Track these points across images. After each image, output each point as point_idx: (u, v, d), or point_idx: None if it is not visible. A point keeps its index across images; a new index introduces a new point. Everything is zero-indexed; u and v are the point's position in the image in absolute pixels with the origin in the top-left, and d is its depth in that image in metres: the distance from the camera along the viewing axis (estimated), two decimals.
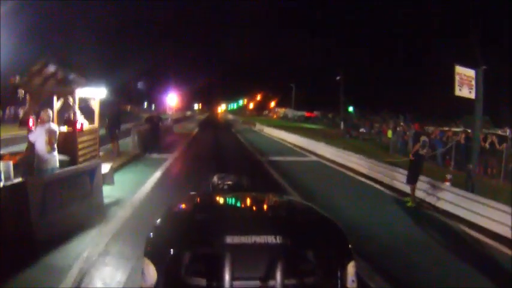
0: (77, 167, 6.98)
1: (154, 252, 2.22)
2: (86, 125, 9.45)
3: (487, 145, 15.20)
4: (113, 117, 14.04)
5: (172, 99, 43.67)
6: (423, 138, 9.09)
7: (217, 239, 2.17)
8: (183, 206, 2.95)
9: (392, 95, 50.53)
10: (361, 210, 8.52)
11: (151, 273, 2.12)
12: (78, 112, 8.41)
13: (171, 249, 2.15)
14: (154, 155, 15.18)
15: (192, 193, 3.44)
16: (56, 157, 7.16)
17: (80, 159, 8.64)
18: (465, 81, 9.76)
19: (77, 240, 5.91)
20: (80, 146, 8.60)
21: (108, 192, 8.28)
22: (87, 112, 9.73)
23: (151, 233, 2.38)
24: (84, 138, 8.89)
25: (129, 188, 9.11)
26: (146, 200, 8.39)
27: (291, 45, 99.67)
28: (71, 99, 8.27)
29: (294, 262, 2.19)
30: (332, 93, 52.24)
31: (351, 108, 51.28)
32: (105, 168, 7.90)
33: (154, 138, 16.05)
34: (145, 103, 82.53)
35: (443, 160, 17.19)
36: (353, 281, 2.21)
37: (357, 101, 50.48)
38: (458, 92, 9.68)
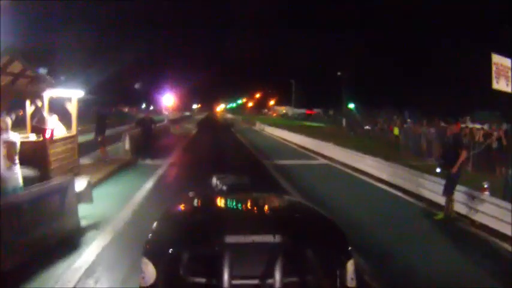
0: (41, 185, 5.63)
1: (153, 251, 2.20)
2: (63, 132, 8.14)
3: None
4: (99, 120, 12.72)
5: (169, 99, 42.21)
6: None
7: (216, 238, 2.15)
8: (182, 205, 3.00)
9: (394, 90, 49.26)
10: (389, 227, 7.15)
11: (150, 272, 2.10)
12: (48, 117, 7.06)
13: (170, 248, 2.15)
14: (147, 161, 13.83)
15: (191, 193, 3.38)
16: (18, 174, 5.83)
17: (53, 173, 7.32)
18: (502, 73, 8.41)
19: (39, 277, 4.70)
20: (53, 158, 7.26)
21: (87, 212, 6.94)
22: (64, 116, 8.43)
23: (151, 232, 2.36)
24: (59, 148, 7.55)
25: (112, 205, 7.73)
26: (131, 220, 7.01)
27: (290, 41, 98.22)
28: (39, 102, 6.91)
29: (293, 261, 2.18)
30: (333, 90, 51.20)
31: (351, 105, 49.97)
32: (81, 184, 6.57)
33: (146, 142, 14.65)
34: (144, 103, 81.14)
35: None
36: (352, 279, 2.18)
37: (358, 97, 49.14)
38: (495, 85, 8.32)
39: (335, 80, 48.07)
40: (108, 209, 7.44)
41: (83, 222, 6.58)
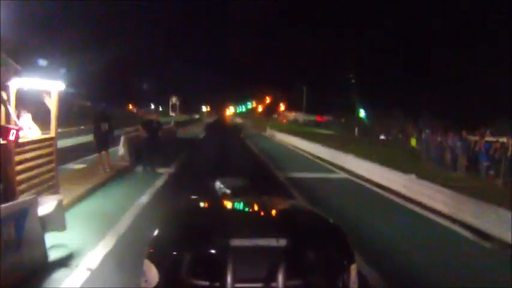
0: None
1: (156, 254, 2.16)
2: (37, 133, 6.64)
3: None
4: (95, 120, 11.38)
5: (178, 101, 40.88)
6: None
7: (219, 240, 2.11)
8: (186, 208, 2.93)
9: (406, 98, 47.62)
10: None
11: (153, 274, 2.07)
12: (15, 113, 5.55)
13: (174, 251, 2.12)
14: (147, 169, 12.28)
15: (194, 197, 3.27)
16: None
17: (22, 187, 5.79)
18: None
19: None
20: (20, 168, 5.74)
21: (61, 240, 5.41)
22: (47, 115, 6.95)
23: (153, 235, 2.30)
24: (29, 154, 6.03)
25: (93, 230, 6.15)
26: (115, 252, 5.43)
27: (301, 47, 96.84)
28: (3, 94, 5.39)
29: (296, 264, 2.10)
30: (344, 97, 49.78)
31: (362, 113, 48.39)
32: (49, 206, 5.02)
33: (150, 149, 12.77)
34: (152, 104, 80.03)
35: (487, 174, 14.59)
36: (354, 283, 2.17)
37: (370, 105, 47.50)
38: None
39: (347, 86, 46.78)
40: (87, 236, 5.84)
41: (53, 255, 5.06)
